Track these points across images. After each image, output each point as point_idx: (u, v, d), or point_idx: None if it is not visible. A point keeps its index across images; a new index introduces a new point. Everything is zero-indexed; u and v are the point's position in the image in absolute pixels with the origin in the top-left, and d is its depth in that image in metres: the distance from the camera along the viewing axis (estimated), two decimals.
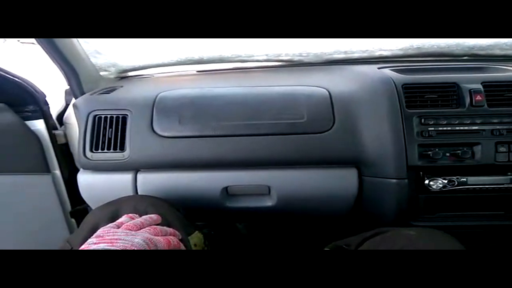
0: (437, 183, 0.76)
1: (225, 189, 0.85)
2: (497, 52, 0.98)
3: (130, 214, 0.56)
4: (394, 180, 0.76)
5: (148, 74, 1.14)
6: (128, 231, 0.49)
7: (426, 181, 0.76)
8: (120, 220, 0.54)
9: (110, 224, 0.52)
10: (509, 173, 0.75)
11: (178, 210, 0.69)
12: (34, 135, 0.92)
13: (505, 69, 0.85)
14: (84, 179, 0.86)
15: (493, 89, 0.76)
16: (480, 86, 0.76)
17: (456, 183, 0.75)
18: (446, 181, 0.76)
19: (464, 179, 0.75)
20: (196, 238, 0.64)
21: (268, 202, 0.86)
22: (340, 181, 0.82)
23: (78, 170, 0.89)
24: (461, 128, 0.75)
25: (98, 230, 0.50)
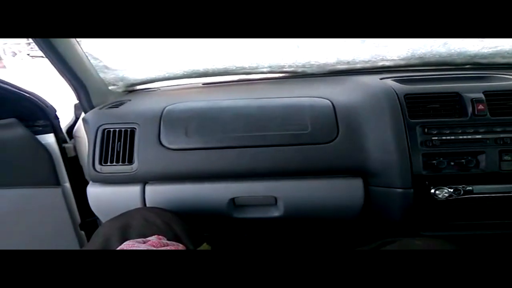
0: (443, 192, 0.76)
1: (232, 200, 0.85)
2: (499, 60, 0.98)
3: (160, 236, 0.57)
4: (400, 190, 0.77)
5: (155, 88, 1.16)
6: (150, 246, 0.50)
7: (432, 190, 0.76)
8: (149, 238, 0.55)
9: (137, 239, 0.53)
10: None
11: (185, 221, 0.70)
12: (44, 149, 0.94)
13: (507, 77, 0.85)
14: (94, 191, 0.88)
15: (495, 98, 0.77)
16: (482, 96, 0.76)
17: (462, 192, 0.75)
18: (452, 190, 0.76)
19: (470, 188, 0.75)
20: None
21: (275, 213, 0.87)
22: (345, 191, 0.83)
23: (87, 183, 0.91)
24: (465, 137, 0.75)
25: (123, 244, 0.51)
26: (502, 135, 0.75)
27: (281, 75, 1.11)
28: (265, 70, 1.07)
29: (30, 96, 0.93)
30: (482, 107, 0.75)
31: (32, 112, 0.94)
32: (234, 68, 1.05)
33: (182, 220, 0.69)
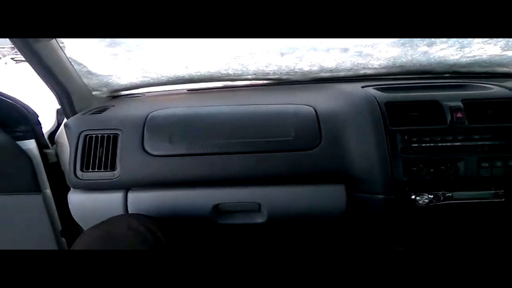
0: (423, 198, 0.77)
1: (216, 206, 0.85)
2: (477, 69, 1.01)
3: None
4: (381, 196, 0.78)
5: (139, 93, 1.15)
6: None
7: (413, 197, 0.78)
8: None
9: None
10: (493, 188, 0.77)
11: (169, 228, 0.69)
12: (25, 155, 0.92)
13: (484, 86, 0.87)
14: (75, 198, 0.87)
15: (473, 106, 0.79)
16: (460, 104, 0.78)
17: (442, 198, 0.77)
18: (432, 196, 0.77)
19: (450, 194, 0.77)
20: None
21: (259, 219, 0.87)
22: (328, 198, 0.84)
23: (69, 189, 0.89)
24: (444, 144, 0.77)
25: None
26: (480, 143, 0.77)
27: (265, 82, 1.12)
28: (249, 77, 1.07)
29: (11, 102, 0.91)
30: (461, 115, 0.77)
31: (13, 118, 0.92)
32: (219, 74, 1.05)
33: (166, 227, 0.69)
